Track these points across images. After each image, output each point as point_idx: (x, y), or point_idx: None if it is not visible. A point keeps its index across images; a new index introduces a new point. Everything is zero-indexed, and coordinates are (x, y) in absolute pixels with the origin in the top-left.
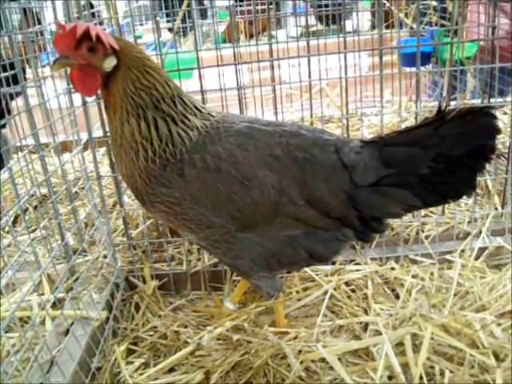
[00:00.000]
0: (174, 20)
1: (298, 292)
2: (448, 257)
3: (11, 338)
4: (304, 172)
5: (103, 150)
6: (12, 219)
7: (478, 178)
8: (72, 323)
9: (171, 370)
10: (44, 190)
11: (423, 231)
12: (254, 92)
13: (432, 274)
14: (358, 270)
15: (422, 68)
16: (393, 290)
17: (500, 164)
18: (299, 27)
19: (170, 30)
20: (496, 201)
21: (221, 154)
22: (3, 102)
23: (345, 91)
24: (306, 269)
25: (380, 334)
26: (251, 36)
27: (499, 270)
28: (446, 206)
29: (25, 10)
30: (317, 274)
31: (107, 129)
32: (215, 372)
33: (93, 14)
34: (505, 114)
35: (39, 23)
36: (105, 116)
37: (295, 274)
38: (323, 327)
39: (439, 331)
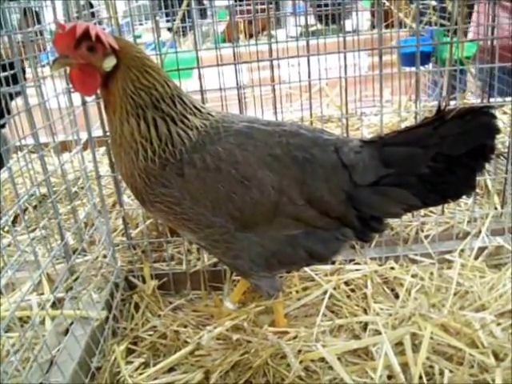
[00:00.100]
0: (174, 20)
1: (297, 292)
2: (447, 256)
3: (11, 338)
4: (304, 172)
5: (103, 149)
6: (12, 219)
7: (477, 178)
8: (72, 323)
9: (171, 369)
10: (44, 190)
11: (423, 231)
12: (254, 92)
13: (431, 273)
14: (357, 270)
15: (422, 68)
16: (392, 290)
17: (500, 164)
18: (299, 27)
19: (170, 29)
20: (496, 200)
21: (220, 153)
22: (3, 102)
23: (344, 91)
24: (306, 268)
25: (379, 333)
26: (251, 36)
27: (499, 270)
28: (446, 205)
29: (24, 9)
30: (316, 274)
31: (107, 128)
32: (215, 371)
33: (92, 14)
34: (504, 113)
35: (39, 23)
36: (104, 116)
37: (295, 274)
38: (323, 327)
39: (439, 331)
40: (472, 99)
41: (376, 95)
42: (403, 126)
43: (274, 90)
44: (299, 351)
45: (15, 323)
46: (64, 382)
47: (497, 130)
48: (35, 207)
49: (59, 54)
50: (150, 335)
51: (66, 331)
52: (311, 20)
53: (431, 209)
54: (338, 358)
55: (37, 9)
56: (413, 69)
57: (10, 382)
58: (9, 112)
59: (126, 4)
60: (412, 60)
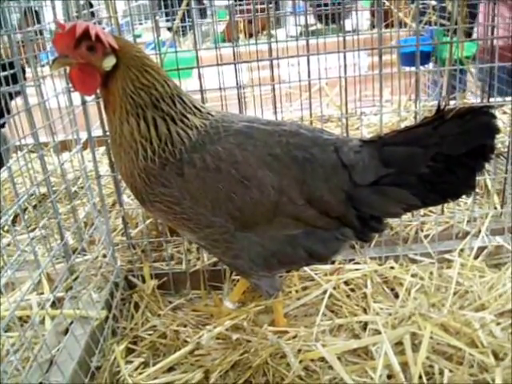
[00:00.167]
0: (174, 19)
1: (297, 291)
2: (447, 256)
3: (11, 338)
4: (303, 171)
5: (102, 149)
6: (11, 218)
7: (477, 178)
8: (71, 322)
9: (171, 369)
10: (43, 190)
11: (422, 230)
12: (254, 91)
13: (431, 273)
14: (357, 270)
15: (422, 67)
16: (392, 290)
17: (499, 163)
18: (299, 26)
19: (170, 29)
20: (495, 200)
21: (220, 153)
22: (2, 102)
23: (344, 90)
24: (306, 268)
25: (379, 333)
26: (250, 35)
27: (498, 270)
28: (446, 205)
29: (24, 9)
30: (316, 274)
31: (106, 128)
32: (214, 371)
33: (92, 13)
34: (504, 113)
35: (38, 22)
36: (104, 115)
37: (294, 274)
38: (322, 326)
39: (438, 330)
40: (472, 99)
41: (376, 95)
42: (403, 125)
43: (273, 90)
44: (299, 351)
45: (15, 323)
46: (64, 382)
47: (497, 130)
48: (35, 207)
49: (59, 53)
50: (150, 335)
51: (66, 331)
52: (311, 20)
53: (431, 208)
54: (338, 358)
55: (36, 8)
56: (412, 68)
57: (9, 382)
58: (8, 111)
59: (125, 3)
60: (412, 60)
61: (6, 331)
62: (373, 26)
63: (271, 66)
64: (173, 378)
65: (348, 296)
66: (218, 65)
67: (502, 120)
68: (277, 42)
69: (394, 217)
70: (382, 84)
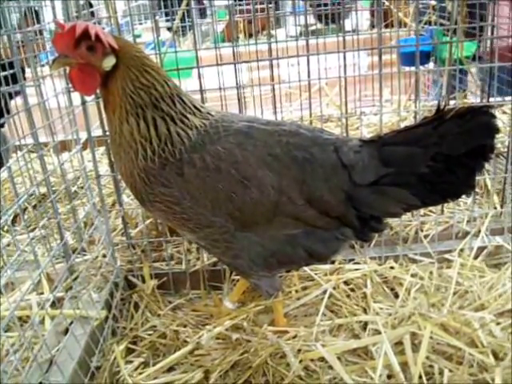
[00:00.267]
0: (173, 19)
1: (297, 291)
2: (447, 256)
3: (10, 338)
4: (303, 171)
5: (102, 149)
6: (11, 218)
7: (477, 178)
8: (71, 322)
9: (170, 369)
10: (43, 189)
11: (422, 230)
12: (253, 91)
13: (431, 273)
14: (357, 270)
15: (421, 67)
16: (392, 289)
17: (499, 163)
18: (298, 26)
19: (169, 29)
20: (495, 200)
21: (220, 153)
22: (2, 102)
23: (344, 90)
24: (305, 268)
25: (379, 333)
26: (250, 35)
27: (498, 269)
28: (445, 205)
29: (24, 9)
30: (316, 274)
31: (106, 128)
32: (214, 371)
33: (92, 13)
34: (504, 113)
35: (38, 22)
36: (104, 115)
37: (294, 273)
38: (322, 326)
39: (438, 330)
40: (472, 99)
41: (375, 95)
42: (403, 125)
43: (273, 90)
44: (299, 351)
45: (15, 323)
46: (64, 382)
47: (496, 130)
48: (35, 207)
49: (59, 53)
50: (150, 335)
51: (66, 331)
52: (311, 19)
53: (431, 208)
54: (338, 358)
55: (36, 8)
56: (412, 68)
57: (9, 382)
58: (8, 111)
59: (125, 3)
60: (411, 59)
61: (5, 331)
62: (372, 26)
63: (271, 66)
64: (173, 377)
65: (348, 296)
66: (217, 65)
67: (501, 120)
68: (276, 41)
69: (394, 217)
70: (382, 84)
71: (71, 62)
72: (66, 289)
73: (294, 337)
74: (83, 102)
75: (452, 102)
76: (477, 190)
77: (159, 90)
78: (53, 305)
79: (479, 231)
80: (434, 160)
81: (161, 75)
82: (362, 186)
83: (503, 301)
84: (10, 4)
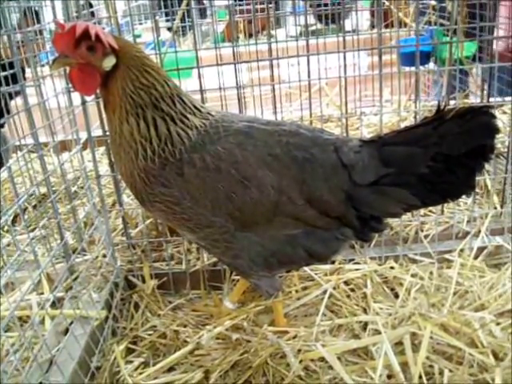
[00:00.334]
0: (174, 19)
1: (297, 291)
2: (447, 256)
3: (11, 338)
4: (303, 171)
5: (102, 149)
6: (11, 218)
7: (477, 178)
8: (71, 322)
9: (170, 369)
10: (43, 190)
11: (422, 230)
12: (254, 91)
13: (431, 273)
14: (357, 270)
15: (421, 67)
16: (392, 289)
17: (499, 163)
18: (298, 26)
19: (170, 29)
20: (495, 200)
21: (220, 153)
22: (2, 102)
23: (344, 90)
24: (306, 268)
25: (379, 333)
26: (250, 35)
27: (498, 270)
28: (445, 205)
29: (24, 9)
30: (316, 274)
31: (106, 128)
32: (214, 371)
33: (92, 13)
34: (504, 113)
35: (38, 22)
36: (104, 115)
37: (294, 274)
38: (322, 326)
39: (438, 330)
40: (473, 99)
41: (376, 95)
42: (403, 125)
43: (273, 90)
44: (299, 351)
45: (15, 323)
46: (64, 382)
47: (496, 130)
48: (35, 207)
49: (59, 53)
50: (150, 335)
51: (66, 331)
52: (311, 20)
53: (431, 208)
54: (338, 358)
55: (36, 8)
56: (412, 68)
57: (9, 382)
58: (8, 112)
59: (125, 3)
60: (412, 60)
61: (5, 331)
62: (372, 26)
63: (271, 66)
64: (173, 378)
65: (348, 296)
66: (217, 65)
67: (501, 120)
68: (277, 42)
69: (394, 217)
70: (382, 84)
71: (71, 61)
72: (66, 289)
73: (294, 337)
74: (83, 102)
75: (452, 102)
76: (477, 190)
77: (159, 89)
78: (53, 305)
79: (479, 231)
80: (434, 160)
81: (161, 75)
82: (362, 186)
83: (503, 301)
84: (11, 4)
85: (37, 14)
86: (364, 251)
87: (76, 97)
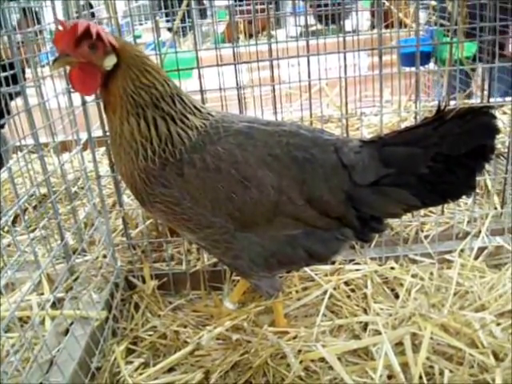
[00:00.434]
0: (174, 20)
1: (297, 292)
2: (447, 256)
3: (11, 338)
4: (303, 172)
5: (103, 149)
6: (11, 219)
7: (477, 178)
8: (71, 323)
9: (171, 369)
10: (43, 190)
11: (423, 231)
12: (254, 92)
13: (431, 273)
14: (357, 270)
15: (422, 68)
16: (392, 290)
17: (499, 164)
18: (299, 27)
19: (170, 29)
20: (495, 200)
21: (220, 153)
22: (2, 102)
23: (344, 91)
24: (306, 268)
25: (379, 333)
26: (250, 36)
27: (499, 270)
28: (446, 205)
29: (24, 9)
30: (316, 274)
31: (107, 128)
32: (215, 372)
33: (92, 14)
34: (504, 113)
35: (38, 23)
36: (104, 115)
37: (295, 274)
38: (323, 327)
39: (439, 331)
40: (473, 99)
41: (376, 95)
42: (403, 126)
43: (273, 90)
44: (299, 351)
45: (15, 323)
46: (64, 382)
47: (497, 130)
48: (35, 207)
49: (60, 52)
50: (150, 335)
51: (66, 331)
52: (311, 20)
53: (431, 209)
54: (338, 358)
55: (36, 9)
56: (413, 69)
57: (9, 382)
58: (8, 112)
59: (125, 4)
60: (412, 60)
61: (6, 332)
62: (373, 27)
63: (271, 67)
64: (173, 378)
65: (348, 296)
66: (218, 65)
67: (502, 120)
68: (277, 42)
69: (394, 217)
70: (382, 84)
71: (72, 61)
72: (67, 289)
73: (295, 337)
74: (83, 103)
75: (453, 103)
76: (477, 190)
77: (159, 89)
78: (53, 305)
79: (479, 232)
80: (435, 160)
81: (161, 75)
82: (363, 186)
83: (503, 301)
84: (11, 4)
85: (37, 14)
86: (364, 252)
87: (76, 97)
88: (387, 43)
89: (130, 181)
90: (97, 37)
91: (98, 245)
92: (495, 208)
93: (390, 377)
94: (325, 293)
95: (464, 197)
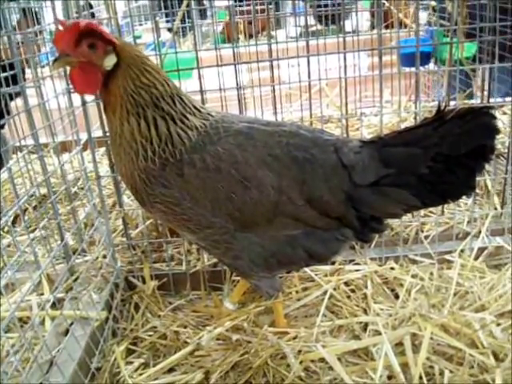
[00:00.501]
0: (174, 20)
1: (297, 292)
2: (447, 257)
3: (11, 338)
4: (303, 172)
5: (103, 150)
6: (11, 219)
7: (477, 178)
8: (71, 323)
9: (171, 370)
10: (43, 190)
11: (423, 231)
12: (254, 92)
13: (431, 273)
14: (357, 270)
15: (422, 68)
16: (392, 290)
17: (499, 164)
18: (298, 27)
19: (170, 30)
20: (495, 201)
21: (220, 154)
22: (2, 103)
23: (344, 91)
24: (306, 269)
25: (379, 333)
26: (250, 36)
27: (499, 270)
28: (446, 205)
29: (24, 9)
30: (316, 274)
31: (106, 129)
32: (215, 372)
33: (92, 14)
34: (504, 113)
35: (38, 23)
36: (104, 116)
37: (295, 274)
38: (323, 327)
39: (439, 331)
40: (473, 100)
41: (376, 95)
42: (403, 126)
43: (273, 91)
44: (299, 351)
45: (15, 324)
46: (64, 383)
47: (497, 131)
48: (35, 208)
49: (60, 52)
50: (150, 335)
51: (66, 332)
52: (311, 20)
53: (431, 209)
54: (338, 359)
55: (36, 9)
56: (412, 69)
57: (9, 383)
58: (8, 112)
59: (125, 4)
60: (412, 60)
61: (6, 332)
62: (373, 27)
63: (271, 67)
64: (173, 378)
65: (348, 297)
66: (218, 66)
67: (502, 120)
68: (277, 42)
69: (394, 217)
70: (382, 85)
71: (72, 60)
72: (67, 290)
73: (295, 338)
74: (83, 103)
75: (453, 103)
76: (477, 190)
77: (159, 89)
78: (53, 306)
79: (479, 232)
80: (435, 161)
81: (161, 75)
82: (363, 186)
83: (503, 302)
84: (11, 5)
85: (36, 14)
86: (364, 252)
87: (76, 98)
88: (387, 44)
89: (130, 181)
90: (97, 36)
91: (97, 245)
92: (495, 208)
93: (390, 377)
94: (325, 293)
95: (464, 197)
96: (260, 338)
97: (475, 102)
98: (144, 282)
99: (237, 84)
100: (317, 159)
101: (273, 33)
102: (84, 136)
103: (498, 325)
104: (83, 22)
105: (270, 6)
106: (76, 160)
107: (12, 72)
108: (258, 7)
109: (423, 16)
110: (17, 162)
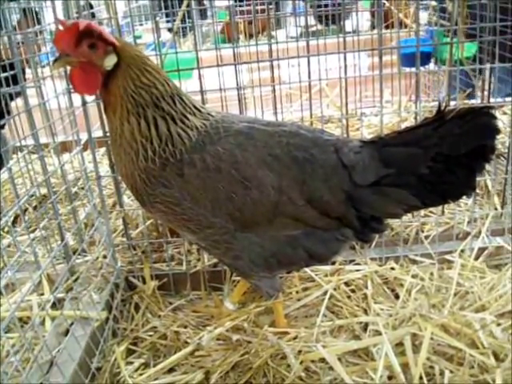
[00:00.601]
0: (174, 20)
1: (297, 292)
2: (448, 257)
3: (11, 339)
4: (304, 172)
5: (103, 150)
6: (12, 219)
7: (477, 178)
8: (72, 323)
9: (171, 370)
10: (44, 190)
11: (423, 231)
12: (254, 92)
13: (432, 274)
14: (357, 270)
15: (422, 68)
16: (392, 290)
17: (500, 164)
18: (299, 27)
19: (170, 30)
20: (496, 201)
21: (220, 153)
22: (3, 103)
23: (344, 91)
24: (306, 269)
25: (380, 334)
26: (251, 36)
27: (499, 270)
28: (446, 206)
29: (24, 9)
30: (316, 274)
31: (107, 129)
32: (215, 372)
33: (92, 14)
34: (504, 113)
35: (39, 23)
36: (104, 116)
37: (295, 274)
38: (323, 327)
39: (439, 331)
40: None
41: (376, 96)
42: (403, 126)
43: (274, 91)
44: (299, 352)
45: (15, 324)
46: (64, 383)
47: (497, 131)
48: (35, 208)
49: (60, 52)
50: (150, 336)
51: (66, 332)
52: (311, 20)
53: (431, 209)
54: (339, 359)
55: (37, 9)
56: (413, 69)
57: (10, 383)
58: (9, 112)
59: (126, 4)
60: (412, 60)
61: (6, 332)
62: (373, 27)
63: (271, 67)
64: (173, 378)
65: (348, 297)
66: (218, 66)
67: (502, 120)
68: (277, 42)
69: (395, 217)
70: (383, 85)
71: (72, 60)
72: (67, 290)
73: (295, 338)
74: (84, 103)
75: (453, 103)
76: (477, 190)
77: (160, 88)
78: (53, 306)
79: (480, 232)
80: (435, 161)
81: (161, 75)
82: (363, 186)
83: (504, 302)
84: (11, 5)
85: (37, 14)
86: (364, 252)
87: (76, 98)
88: (387, 44)
89: (130, 181)
90: (97, 36)
91: (98, 245)
92: (495, 208)
93: (390, 377)
94: (325, 293)
95: (464, 197)
96: (260, 338)
97: (475, 101)
98: (144, 282)
99: (237, 84)
100: (317, 159)
101: (273, 33)
102: (84, 136)
103: (499, 325)
104: (83, 22)
105: (270, 6)
106: (76, 160)
107: (12, 72)
108: (258, 7)
109: (423, 16)
110: (17, 162)
